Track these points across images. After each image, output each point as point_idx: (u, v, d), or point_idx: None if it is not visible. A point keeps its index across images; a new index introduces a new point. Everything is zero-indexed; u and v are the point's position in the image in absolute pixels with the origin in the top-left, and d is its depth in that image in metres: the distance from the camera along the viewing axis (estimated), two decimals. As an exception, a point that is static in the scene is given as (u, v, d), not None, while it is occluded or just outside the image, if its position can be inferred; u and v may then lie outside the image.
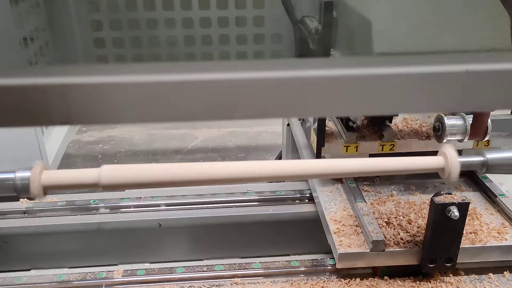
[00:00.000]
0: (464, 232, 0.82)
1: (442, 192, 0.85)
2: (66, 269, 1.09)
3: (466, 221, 0.84)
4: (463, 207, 0.82)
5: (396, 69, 0.34)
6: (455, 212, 0.82)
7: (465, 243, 0.86)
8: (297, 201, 1.15)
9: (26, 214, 1.08)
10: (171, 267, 0.91)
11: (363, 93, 0.34)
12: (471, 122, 0.93)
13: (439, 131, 0.97)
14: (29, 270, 1.10)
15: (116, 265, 1.11)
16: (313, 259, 0.94)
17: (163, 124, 2.21)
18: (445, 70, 0.34)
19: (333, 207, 0.99)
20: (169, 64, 0.32)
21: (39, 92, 0.31)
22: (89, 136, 2.14)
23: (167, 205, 1.13)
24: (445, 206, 0.81)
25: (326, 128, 1.03)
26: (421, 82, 0.34)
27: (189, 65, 0.33)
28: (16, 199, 1.12)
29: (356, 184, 1.03)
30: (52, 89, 0.31)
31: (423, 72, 0.34)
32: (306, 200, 1.14)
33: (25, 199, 1.12)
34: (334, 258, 0.91)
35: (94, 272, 0.91)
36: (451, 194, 0.86)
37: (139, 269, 0.91)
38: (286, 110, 0.33)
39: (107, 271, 0.91)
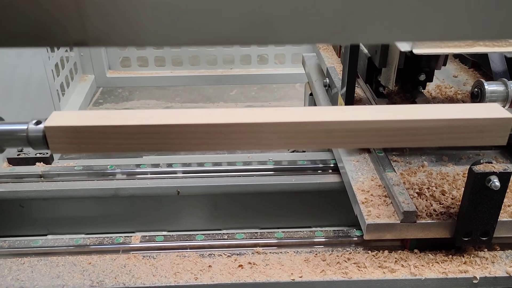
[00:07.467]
0: (502, 204, 0.77)
1: (481, 161, 0.78)
2: (83, 235, 1.07)
3: (505, 193, 0.78)
4: (505, 177, 0.76)
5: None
6: (495, 182, 0.76)
7: (503, 216, 0.81)
8: (319, 171, 1.10)
9: (42, 178, 1.05)
10: (190, 234, 0.88)
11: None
12: (513, 88, 0.86)
13: (477, 98, 0.91)
14: (45, 235, 1.08)
15: (133, 232, 1.08)
16: (339, 230, 0.90)
17: (180, 98, 2.18)
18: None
19: (360, 176, 0.94)
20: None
21: (50, 3, 0.26)
22: (105, 108, 2.11)
23: (184, 172, 1.09)
24: (485, 175, 0.75)
25: (355, 95, 0.97)
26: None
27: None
28: (32, 163, 1.10)
29: (385, 153, 0.97)
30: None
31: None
32: (330, 171, 1.09)
33: (41, 162, 1.10)
34: (360, 229, 0.87)
35: (112, 237, 0.89)
36: (491, 163, 0.79)
37: (157, 235, 0.88)
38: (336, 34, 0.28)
39: (125, 237, 0.89)
